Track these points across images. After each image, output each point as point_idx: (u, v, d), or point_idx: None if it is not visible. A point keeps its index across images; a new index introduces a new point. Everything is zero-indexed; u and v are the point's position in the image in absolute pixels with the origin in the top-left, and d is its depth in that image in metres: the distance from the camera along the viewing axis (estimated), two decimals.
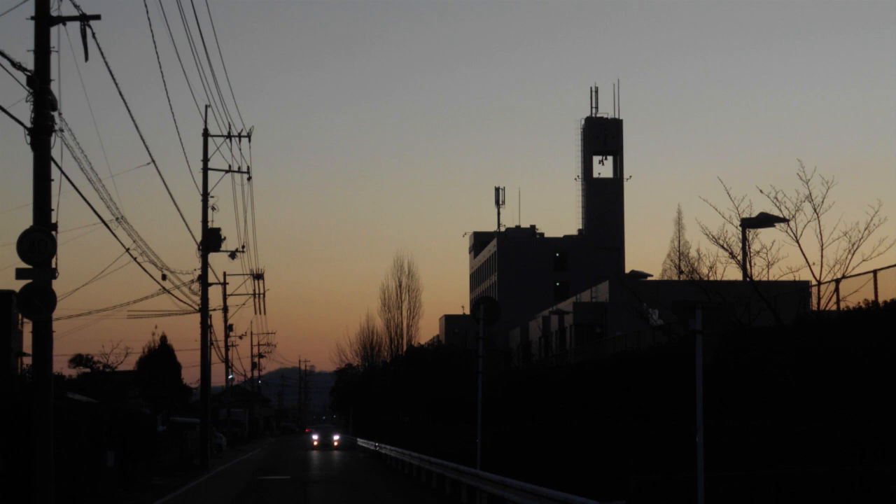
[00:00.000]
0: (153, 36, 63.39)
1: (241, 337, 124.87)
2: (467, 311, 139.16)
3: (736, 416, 27.20)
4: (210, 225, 68.16)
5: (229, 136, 68.18)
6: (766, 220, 36.34)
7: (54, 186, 30.17)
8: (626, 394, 33.49)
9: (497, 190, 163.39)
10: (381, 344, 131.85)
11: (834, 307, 31.61)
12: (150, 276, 49.18)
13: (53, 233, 29.74)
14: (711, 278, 35.66)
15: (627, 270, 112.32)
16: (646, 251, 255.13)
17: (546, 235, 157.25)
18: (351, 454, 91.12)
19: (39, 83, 29.36)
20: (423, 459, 48.39)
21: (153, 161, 42.35)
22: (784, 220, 32.73)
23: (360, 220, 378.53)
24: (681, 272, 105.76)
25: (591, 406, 36.16)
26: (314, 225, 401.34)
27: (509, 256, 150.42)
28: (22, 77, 28.71)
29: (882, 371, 25.37)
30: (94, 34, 30.17)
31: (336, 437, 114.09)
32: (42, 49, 29.97)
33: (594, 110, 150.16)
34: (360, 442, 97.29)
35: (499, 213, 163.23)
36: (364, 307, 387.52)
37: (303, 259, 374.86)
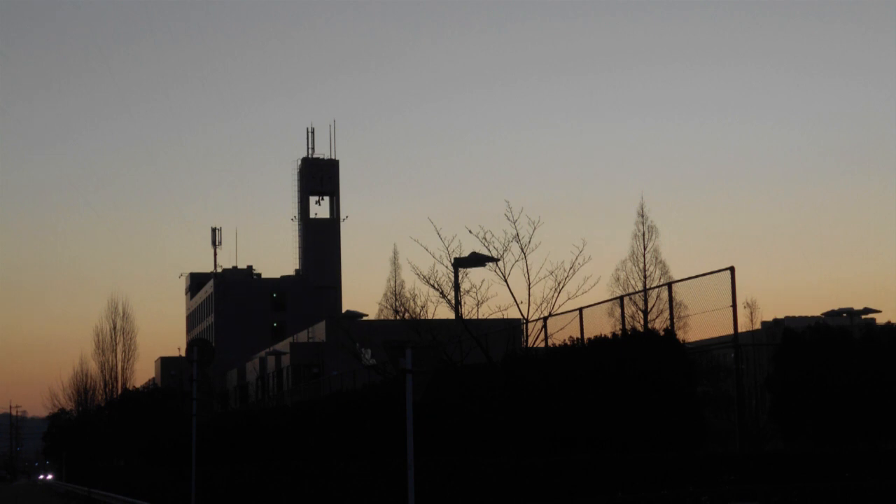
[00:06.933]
0: None
1: None
2: (184, 353, 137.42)
3: (451, 452, 27.66)
4: None
5: None
6: (477, 260, 37.11)
7: None
8: (342, 432, 33.76)
9: (214, 231, 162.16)
10: (96, 387, 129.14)
11: (542, 344, 32.59)
12: None
13: None
14: (424, 317, 36.21)
15: (345, 310, 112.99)
16: (364, 291, 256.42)
17: (264, 276, 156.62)
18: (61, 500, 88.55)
19: None
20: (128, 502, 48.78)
21: None
22: (494, 259, 33.46)
23: (71, 260, 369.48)
24: (396, 312, 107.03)
25: (307, 445, 36.31)
26: (21, 264, 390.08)
27: (226, 297, 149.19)
28: None
29: (588, 403, 26.40)
30: None
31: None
32: None
33: (311, 151, 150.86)
34: (71, 487, 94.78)
35: (216, 254, 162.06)
36: (78, 350, 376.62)
37: (8, 300, 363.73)
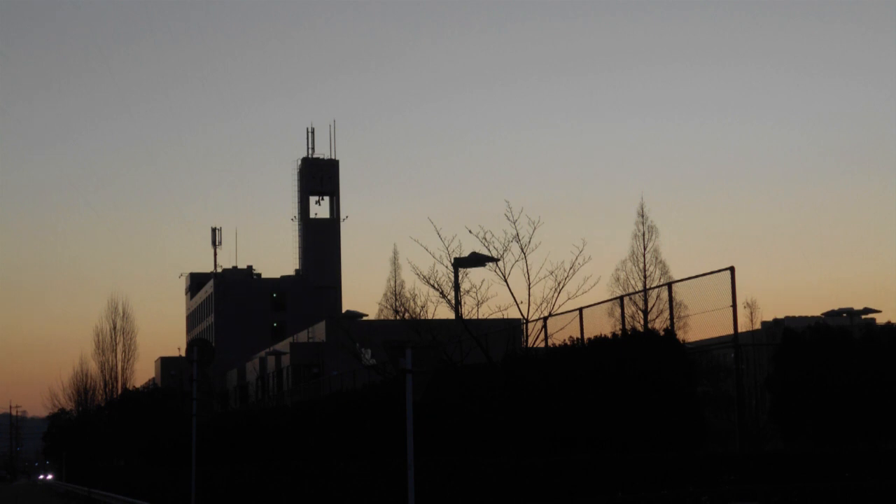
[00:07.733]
0: None
1: None
2: (184, 353, 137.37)
3: (451, 452, 27.69)
4: None
5: None
6: (477, 260, 37.09)
7: None
8: (342, 432, 33.76)
9: (214, 231, 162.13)
10: (96, 387, 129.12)
11: (542, 344, 32.58)
12: None
13: None
14: (424, 317, 36.19)
15: (345, 310, 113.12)
16: (364, 291, 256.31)
17: (264, 276, 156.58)
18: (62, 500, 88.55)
19: None
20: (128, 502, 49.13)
21: None
22: (494, 259, 33.43)
23: (71, 260, 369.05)
24: (396, 312, 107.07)
25: (307, 445, 36.30)
26: (21, 264, 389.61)
27: (226, 297, 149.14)
28: None
29: (588, 403, 26.39)
30: None
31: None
32: None
33: (311, 151, 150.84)
34: (71, 487, 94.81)
35: (216, 254, 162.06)
36: (78, 350, 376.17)
37: (8, 300, 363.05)
